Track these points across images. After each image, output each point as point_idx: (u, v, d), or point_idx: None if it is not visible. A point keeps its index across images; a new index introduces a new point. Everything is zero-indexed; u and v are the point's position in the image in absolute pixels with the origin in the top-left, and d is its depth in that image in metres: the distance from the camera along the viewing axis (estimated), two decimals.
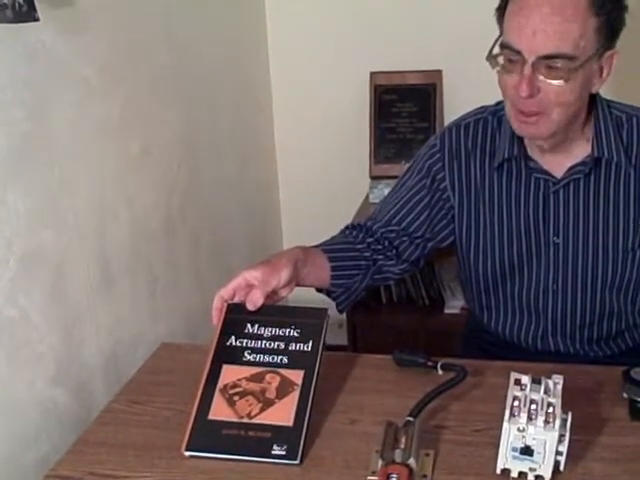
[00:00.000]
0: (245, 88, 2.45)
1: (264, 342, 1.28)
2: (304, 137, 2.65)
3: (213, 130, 2.18)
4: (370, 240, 1.55)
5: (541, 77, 1.26)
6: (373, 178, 2.54)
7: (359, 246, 1.54)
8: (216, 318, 1.31)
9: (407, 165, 1.59)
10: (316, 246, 1.51)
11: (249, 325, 1.30)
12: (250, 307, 1.29)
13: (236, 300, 1.32)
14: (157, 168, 1.83)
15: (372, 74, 2.53)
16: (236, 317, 1.31)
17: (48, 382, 1.41)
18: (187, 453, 1.18)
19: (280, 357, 1.26)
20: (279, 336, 1.29)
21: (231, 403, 1.21)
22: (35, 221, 1.37)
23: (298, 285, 1.39)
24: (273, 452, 1.16)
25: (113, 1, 1.61)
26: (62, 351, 1.45)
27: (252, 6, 2.51)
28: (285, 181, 2.74)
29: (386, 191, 2.42)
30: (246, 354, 1.27)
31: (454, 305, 2.51)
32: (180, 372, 1.42)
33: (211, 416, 1.20)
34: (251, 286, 1.31)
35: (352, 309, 2.41)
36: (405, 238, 1.55)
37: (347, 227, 1.61)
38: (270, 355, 1.27)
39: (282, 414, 1.20)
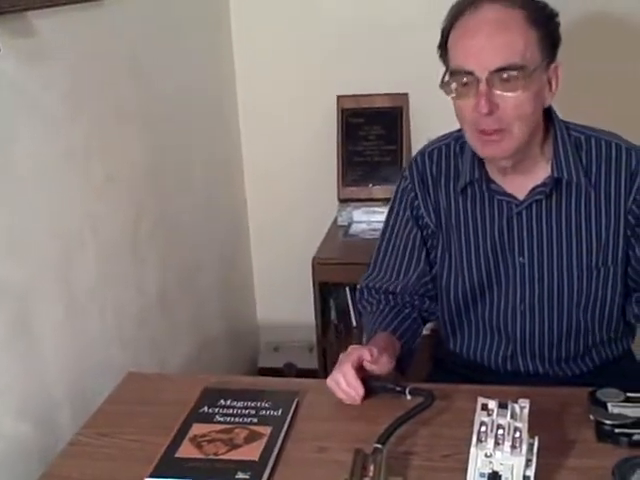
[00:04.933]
0: (212, 113, 2.45)
1: (236, 410, 1.32)
2: (272, 161, 2.64)
3: (180, 155, 2.17)
4: (408, 300, 1.59)
5: (497, 92, 1.30)
6: (341, 201, 2.54)
7: (407, 310, 1.58)
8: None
9: (387, 204, 1.64)
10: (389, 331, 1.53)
11: (222, 400, 1.34)
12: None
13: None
14: (123, 195, 1.82)
15: (339, 98, 2.54)
16: (210, 396, 1.36)
17: (11, 416, 1.39)
18: None
19: (250, 418, 1.29)
20: (251, 406, 1.33)
21: (199, 446, 1.23)
22: None
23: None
24: (237, 477, 1.15)
25: (76, 30, 1.60)
26: (26, 383, 1.42)
27: (218, 31, 2.51)
28: (254, 205, 2.73)
29: (354, 214, 2.47)
30: (217, 417, 1.30)
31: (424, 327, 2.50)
32: (147, 402, 1.40)
33: (178, 454, 1.21)
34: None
35: (322, 332, 2.41)
36: (427, 278, 1.59)
37: (379, 301, 1.61)
38: (240, 417, 1.30)
39: (248, 453, 1.21)
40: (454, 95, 1.34)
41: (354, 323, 2.56)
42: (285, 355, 2.73)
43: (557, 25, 1.35)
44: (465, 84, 1.32)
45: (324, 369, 2.42)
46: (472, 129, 1.35)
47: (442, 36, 1.37)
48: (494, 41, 1.29)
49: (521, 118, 1.32)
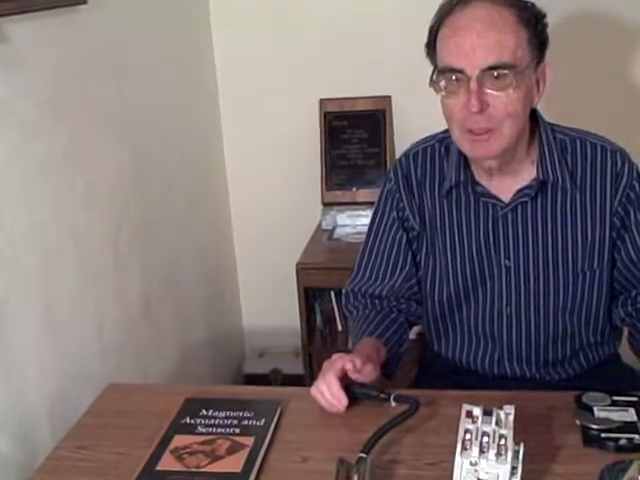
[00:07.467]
0: (194, 119, 2.43)
1: (218, 420, 1.30)
2: (255, 166, 2.63)
3: (162, 162, 2.15)
4: (394, 304, 1.58)
5: (488, 90, 1.29)
6: (325, 205, 2.53)
7: (393, 315, 1.57)
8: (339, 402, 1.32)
9: (371, 207, 1.63)
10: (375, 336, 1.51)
11: (204, 410, 1.32)
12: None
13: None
14: (104, 204, 1.79)
15: (321, 101, 2.53)
16: (192, 406, 1.34)
17: None
18: None
19: (232, 429, 1.27)
20: (233, 416, 1.31)
21: (180, 459, 1.21)
22: None
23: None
24: None
25: (52, 36, 1.58)
26: (3, 396, 1.40)
27: (199, 35, 2.49)
28: (238, 210, 2.72)
29: (338, 217, 2.46)
30: (199, 428, 1.28)
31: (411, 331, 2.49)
32: (128, 414, 1.38)
33: (158, 467, 1.19)
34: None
35: (307, 338, 2.39)
36: (413, 281, 1.57)
37: (365, 306, 1.60)
38: (223, 427, 1.28)
39: (231, 465, 1.19)
40: (443, 93, 1.33)
41: (339, 327, 2.56)
42: (271, 361, 2.71)
43: (545, 25, 1.35)
44: (455, 81, 1.30)
45: (310, 374, 2.40)
46: (461, 128, 1.34)
47: (430, 34, 1.36)
48: (485, 39, 1.28)
49: (511, 117, 1.31)
